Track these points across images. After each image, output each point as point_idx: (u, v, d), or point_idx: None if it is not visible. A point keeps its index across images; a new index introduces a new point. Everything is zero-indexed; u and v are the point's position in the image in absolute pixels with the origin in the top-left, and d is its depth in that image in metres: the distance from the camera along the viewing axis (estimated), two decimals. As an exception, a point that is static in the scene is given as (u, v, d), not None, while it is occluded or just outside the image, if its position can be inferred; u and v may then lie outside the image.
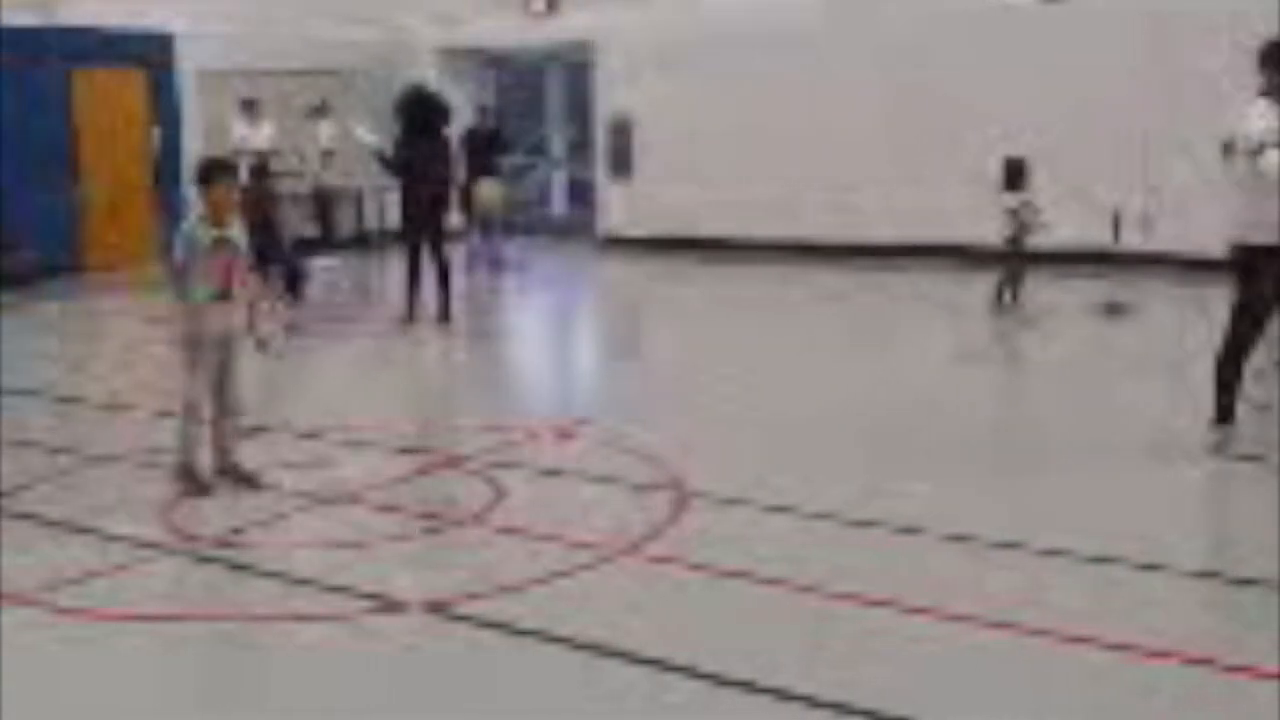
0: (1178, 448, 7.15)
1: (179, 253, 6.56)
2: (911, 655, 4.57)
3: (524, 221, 19.82)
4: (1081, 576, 5.31)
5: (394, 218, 18.08)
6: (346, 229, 17.92)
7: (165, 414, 8.49)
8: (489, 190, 15.67)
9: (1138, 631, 4.65)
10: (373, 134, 12.87)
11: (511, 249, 16.65)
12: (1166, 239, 14.14)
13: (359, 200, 17.86)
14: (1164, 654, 4.48)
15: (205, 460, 6.74)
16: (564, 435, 7.84)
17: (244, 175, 12.59)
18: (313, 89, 17.23)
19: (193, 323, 6.58)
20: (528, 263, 16.60)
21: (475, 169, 15.64)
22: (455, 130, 13.78)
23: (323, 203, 17.33)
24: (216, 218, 6.60)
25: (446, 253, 12.05)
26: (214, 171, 6.69)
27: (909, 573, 5.36)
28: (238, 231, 6.71)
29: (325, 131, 16.96)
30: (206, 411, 6.72)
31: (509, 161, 17.44)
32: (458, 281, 12.68)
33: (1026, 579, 5.29)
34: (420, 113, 12.08)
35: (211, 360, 6.64)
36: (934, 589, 5.12)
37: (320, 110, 16.99)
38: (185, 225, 6.65)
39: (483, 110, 16.83)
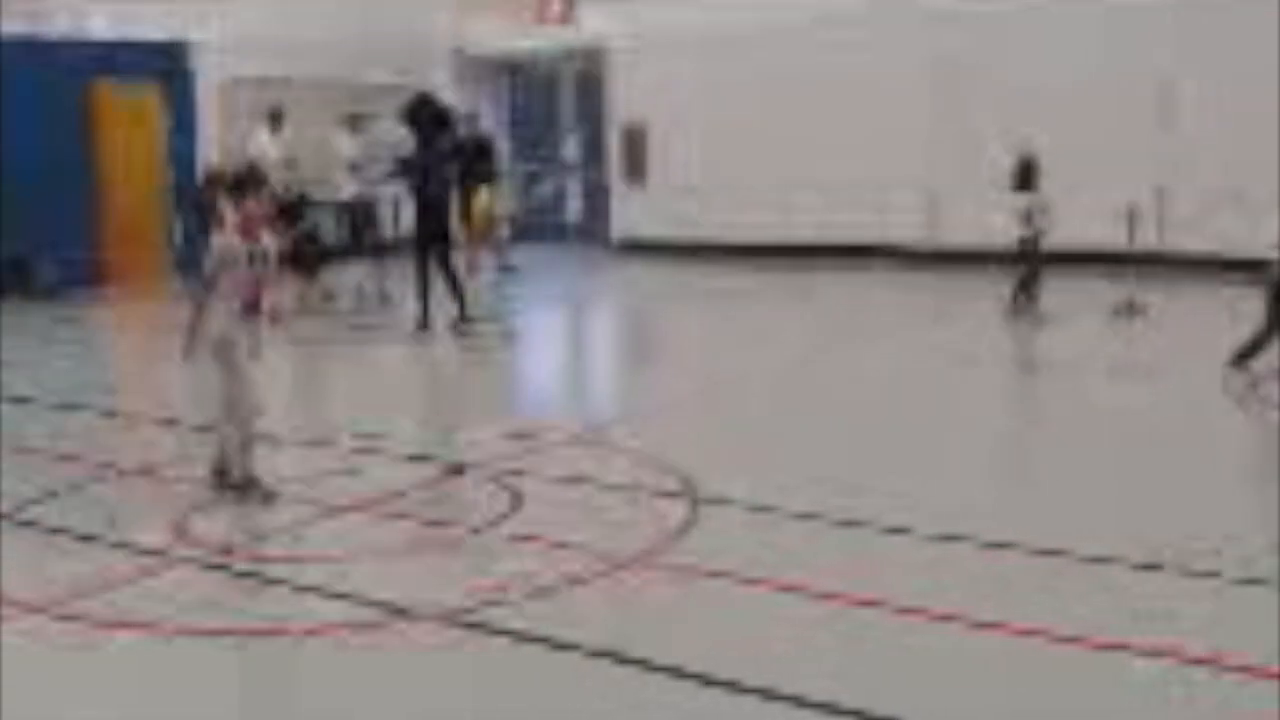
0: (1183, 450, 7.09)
1: (211, 263, 6.50)
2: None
3: (538, 226, 19.81)
4: (1083, 579, 5.29)
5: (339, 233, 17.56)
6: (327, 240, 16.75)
7: (173, 422, 8.51)
8: (484, 199, 15.64)
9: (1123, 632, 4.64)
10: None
11: (517, 255, 16.60)
12: (1183, 240, 14.08)
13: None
14: (1159, 653, 4.46)
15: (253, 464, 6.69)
16: (579, 441, 7.82)
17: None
18: (334, 97, 17.09)
19: (224, 332, 6.55)
20: (538, 268, 16.56)
21: (469, 178, 15.42)
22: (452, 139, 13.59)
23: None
24: (249, 230, 6.57)
25: (454, 259, 12.05)
26: (246, 184, 6.65)
27: (938, 579, 5.32)
28: (268, 243, 6.70)
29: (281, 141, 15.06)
30: (254, 415, 6.64)
31: (523, 168, 17.27)
32: (468, 288, 12.66)
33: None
34: (427, 120, 12.10)
35: (242, 367, 6.60)
36: (963, 595, 5.09)
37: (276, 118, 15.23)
38: (219, 238, 6.55)
39: (470, 118, 16.45)
